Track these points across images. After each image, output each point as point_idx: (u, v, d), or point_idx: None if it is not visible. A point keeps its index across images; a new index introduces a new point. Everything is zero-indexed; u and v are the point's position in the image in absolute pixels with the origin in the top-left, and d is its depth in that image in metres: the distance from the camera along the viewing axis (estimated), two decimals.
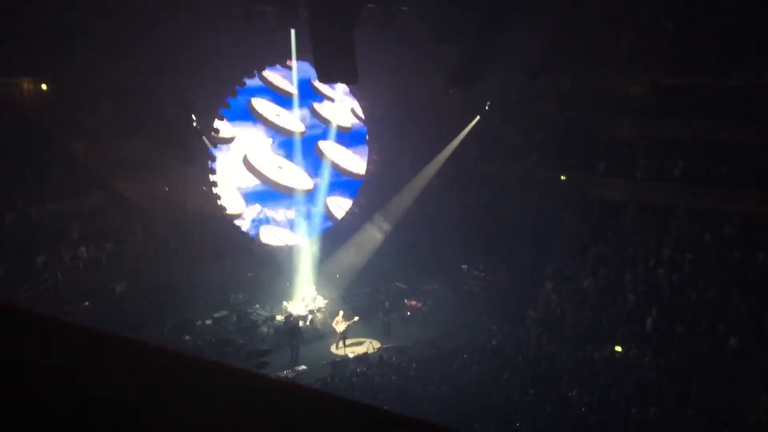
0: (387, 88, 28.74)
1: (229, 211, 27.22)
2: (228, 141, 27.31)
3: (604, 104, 28.01)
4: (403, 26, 22.88)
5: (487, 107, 29.74)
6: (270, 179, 28.22)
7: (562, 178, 28.67)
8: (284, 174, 28.62)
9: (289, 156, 28.78)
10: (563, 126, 28.39)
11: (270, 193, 28.21)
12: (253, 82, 27.45)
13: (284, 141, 28.62)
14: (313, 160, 29.63)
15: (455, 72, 22.17)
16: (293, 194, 28.77)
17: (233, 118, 27.09)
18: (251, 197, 27.96)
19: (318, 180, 29.71)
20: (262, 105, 28.33)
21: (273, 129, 28.42)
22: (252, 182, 27.88)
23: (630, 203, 26.73)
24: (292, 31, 25.38)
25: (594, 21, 26.88)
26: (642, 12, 26.77)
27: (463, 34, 20.40)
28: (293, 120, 29.10)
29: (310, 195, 29.40)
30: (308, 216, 29.34)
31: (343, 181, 30.81)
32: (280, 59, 27.37)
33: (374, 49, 23.61)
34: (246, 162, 27.76)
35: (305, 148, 29.24)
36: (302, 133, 29.31)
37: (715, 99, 25.51)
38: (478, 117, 29.79)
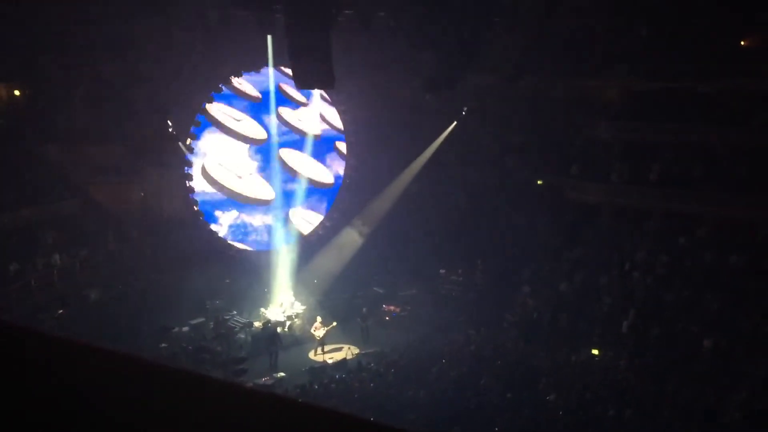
0: (364, 94, 28.79)
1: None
2: (261, 141, 27.41)
3: (579, 108, 28.25)
4: (379, 32, 22.91)
5: (463, 112, 29.89)
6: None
7: (539, 182, 28.88)
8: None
9: (266, 162, 28.60)
10: (539, 130, 28.61)
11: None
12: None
13: (260, 147, 28.52)
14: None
15: (432, 77, 22.20)
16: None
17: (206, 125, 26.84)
18: (228, 203, 27.77)
19: (294, 186, 29.59)
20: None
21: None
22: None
23: (605, 206, 26.96)
24: (269, 37, 25.31)
25: (569, 26, 27.13)
26: (616, 18, 27.07)
27: (439, 39, 20.44)
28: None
29: (287, 201, 29.25)
30: (285, 221, 29.23)
31: (311, 189, 30.56)
32: (257, 65, 27.28)
33: (351, 54, 23.65)
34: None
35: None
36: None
37: (689, 103, 25.86)
38: (455, 122, 29.93)
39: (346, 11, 21.68)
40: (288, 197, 29.07)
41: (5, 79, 26.94)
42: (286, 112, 29.57)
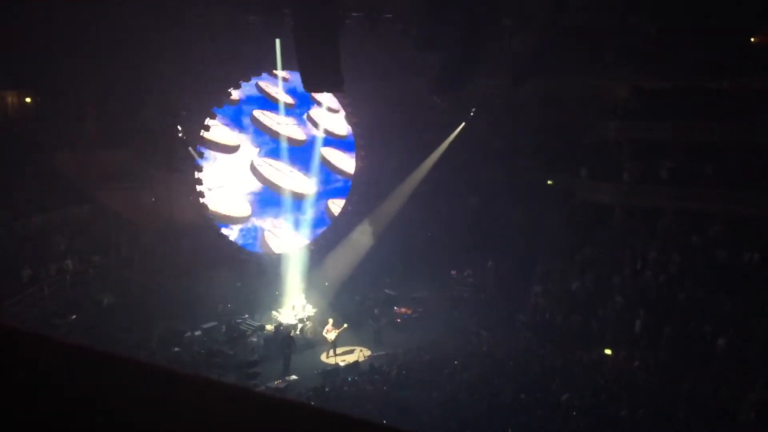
0: (373, 96, 28.78)
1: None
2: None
3: (589, 108, 28.18)
4: (387, 34, 22.92)
5: (472, 113, 29.85)
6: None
7: (549, 182, 28.81)
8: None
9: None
10: (549, 130, 28.54)
11: (258, 203, 28.12)
12: (247, 91, 27.48)
13: (271, 149, 28.59)
14: (303, 167, 29.62)
15: (440, 79, 22.19)
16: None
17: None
18: None
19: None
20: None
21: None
22: (242, 191, 27.84)
23: (617, 206, 26.87)
24: (277, 41, 25.36)
25: (578, 25, 27.06)
26: (625, 16, 26.97)
27: (447, 40, 20.43)
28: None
29: (298, 203, 29.32)
30: (296, 224, 29.29)
31: (337, 188, 30.78)
32: (266, 69, 27.34)
33: (360, 57, 23.65)
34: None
35: (294, 156, 29.28)
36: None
37: (699, 101, 25.74)
38: (463, 123, 29.88)
39: (354, 14, 21.71)
40: (270, 208, 29.08)
41: (16, 87, 27.12)
42: (265, 117, 29.67)
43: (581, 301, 23.91)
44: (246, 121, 28.00)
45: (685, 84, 25.93)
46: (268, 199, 28.29)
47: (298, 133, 29.59)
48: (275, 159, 28.62)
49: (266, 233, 28.34)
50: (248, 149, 27.90)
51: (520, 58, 25.60)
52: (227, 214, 27.13)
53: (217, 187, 26.53)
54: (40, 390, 1.28)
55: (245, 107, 27.95)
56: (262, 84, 28.54)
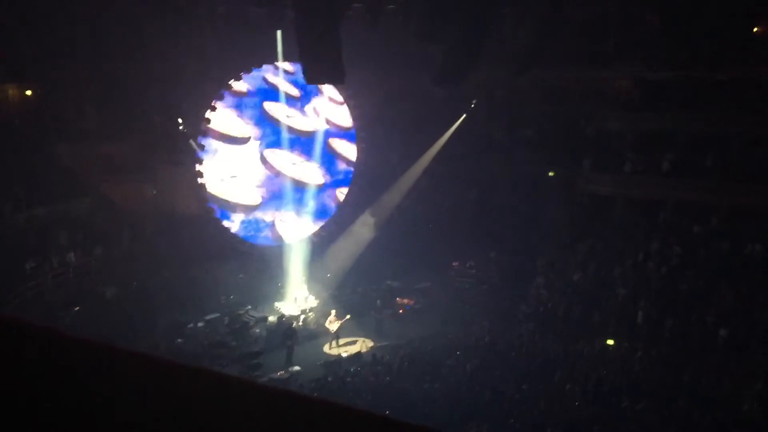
0: (374, 88, 28.73)
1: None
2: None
3: (590, 99, 28.12)
4: (389, 25, 22.86)
5: (473, 105, 29.79)
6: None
7: (551, 173, 28.78)
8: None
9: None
10: (550, 122, 28.50)
11: (267, 192, 28.22)
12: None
13: (276, 141, 28.66)
14: (310, 158, 29.65)
15: (441, 70, 22.14)
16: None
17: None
18: None
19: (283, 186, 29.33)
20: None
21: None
22: (252, 181, 27.96)
23: (618, 197, 26.85)
24: (279, 33, 25.30)
25: (580, 16, 26.98)
26: (627, 7, 26.89)
27: (448, 32, 20.37)
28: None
29: (300, 197, 29.20)
30: (302, 214, 29.38)
31: (342, 179, 30.61)
32: (267, 61, 27.28)
33: (361, 48, 23.60)
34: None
35: (300, 147, 29.31)
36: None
37: (701, 92, 25.68)
38: (465, 115, 29.83)
39: (356, 5, 21.65)
40: (278, 198, 28.63)
41: (17, 80, 27.11)
42: (275, 109, 29.33)
43: (583, 292, 23.93)
44: (255, 113, 27.82)
45: (687, 75, 25.84)
46: (276, 189, 28.19)
47: (306, 125, 29.34)
48: (282, 150, 28.50)
49: (276, 223, 28.29)
50: (257, 140, 27.86)
51: (521, 49, 25.54)
52: (238, 202, 26.97)
53: (229, 177, 26.42)
54: (42, 383, 1.29)
55: (252, 99, 27.78)
56: (268, 76, 28.35)
